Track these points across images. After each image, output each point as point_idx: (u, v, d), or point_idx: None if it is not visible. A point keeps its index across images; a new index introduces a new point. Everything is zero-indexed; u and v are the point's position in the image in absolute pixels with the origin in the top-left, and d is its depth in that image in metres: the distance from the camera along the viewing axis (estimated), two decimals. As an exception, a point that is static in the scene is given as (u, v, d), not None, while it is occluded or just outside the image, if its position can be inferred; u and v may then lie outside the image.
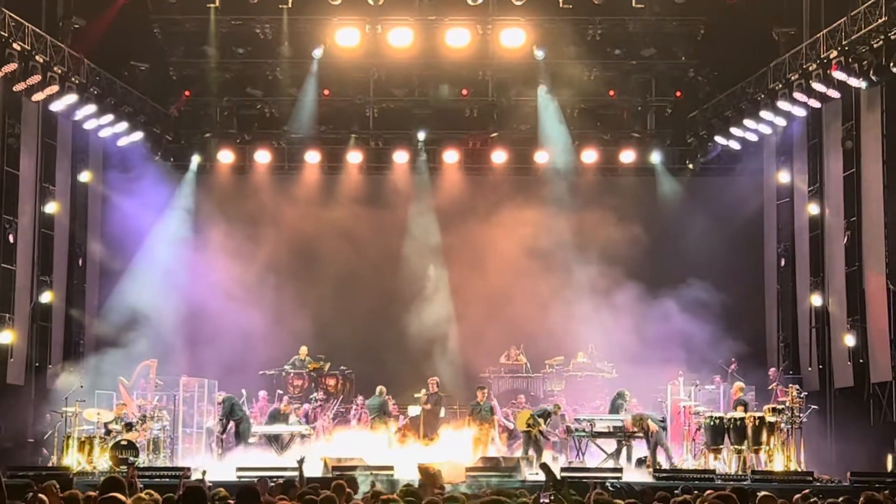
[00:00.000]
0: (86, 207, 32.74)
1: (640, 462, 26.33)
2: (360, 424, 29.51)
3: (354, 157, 34.49)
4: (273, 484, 16.93)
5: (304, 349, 31.68)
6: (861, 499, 12.59)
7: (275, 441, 27.84)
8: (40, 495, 12.58)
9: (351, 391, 31.19)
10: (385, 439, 28.24)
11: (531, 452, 26.55)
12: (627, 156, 34.29)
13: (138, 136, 32.44)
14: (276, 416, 28.29)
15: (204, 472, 19.29)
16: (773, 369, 30.14)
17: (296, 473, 19.01)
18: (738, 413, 26.05)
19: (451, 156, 34.53)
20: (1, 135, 28.45)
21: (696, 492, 15.45)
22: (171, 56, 33.43)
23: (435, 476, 21.28)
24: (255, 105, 34.47)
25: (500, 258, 32.41)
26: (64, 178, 31.36)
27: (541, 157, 34.14)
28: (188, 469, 23.34)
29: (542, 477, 16.38)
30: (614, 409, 27.59)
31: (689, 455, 27.36)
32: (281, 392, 30.58)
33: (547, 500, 12.65)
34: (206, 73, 33.58)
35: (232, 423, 28.18)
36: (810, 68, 28.10)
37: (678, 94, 34.24)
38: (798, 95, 28.68)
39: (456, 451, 26.61)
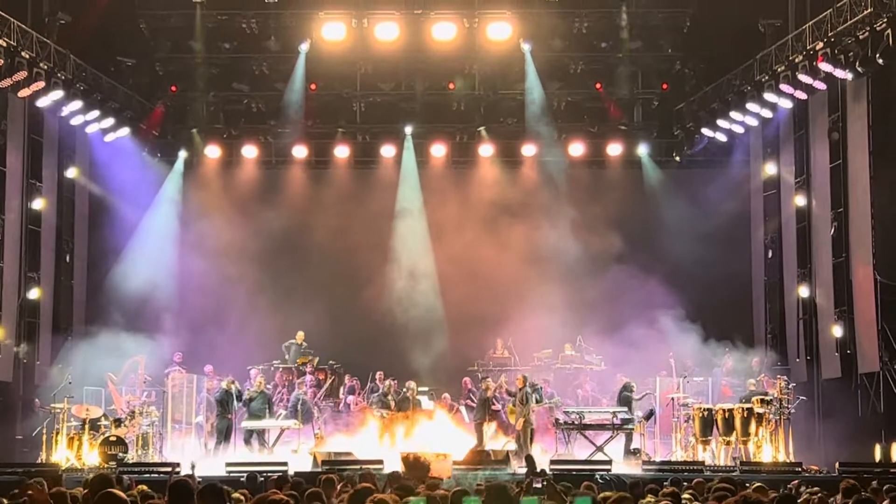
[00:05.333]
0: (73, 203, 32.69)
1: (633, 453, 26.42)
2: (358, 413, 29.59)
3: (342, 151, 34.48)
4: (262, 479, 16.95)
5: (300, 334, 31.53)
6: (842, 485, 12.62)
7: (258, 437, 27.78)
8: (28, 491, 12.57)
9: (339, 386, 31.12)
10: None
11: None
12: (614, 148, 34.33)
13: (125, 131, 32.40)
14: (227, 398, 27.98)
15: (193, 465, 19.29)
16: (756, 359, 30.19)
17: (284, 469, 18.99)
18: (728, 404, 26.22)
19: (438, 149, 34.55)
20: (-13, 131, 28.45)
21: (684, 483, 15.52)
22: (158, 51, 33.42)
23: (423, 467, 21.17)
24: (242, 100, 34.47)
25: (487, 251, 32.40)
26: (51, 174, 31.31)
27: (527, 150, 34.20)
28: (177, 464, 23.30)
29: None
30: (622, 401, 27.62)
31: (678, 447, 27.41)
32: (270, 387, 30.55)
33: (540, 485, 12.67)
34: (192, 69, 33.57)
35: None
36: (796, 60, 28.17)
37: (664, 86, 34.27)
38: (784, 87, 28.74)
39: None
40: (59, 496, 12.92)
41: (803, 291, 30.87)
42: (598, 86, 34.02)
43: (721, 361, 29.95)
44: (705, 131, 32.95)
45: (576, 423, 26.82)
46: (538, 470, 14.72)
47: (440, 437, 27.61)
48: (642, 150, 34.53)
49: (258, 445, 27.68)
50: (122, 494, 8.91)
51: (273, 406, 28.53)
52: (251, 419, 27.92)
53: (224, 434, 27.68)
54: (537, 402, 27.17)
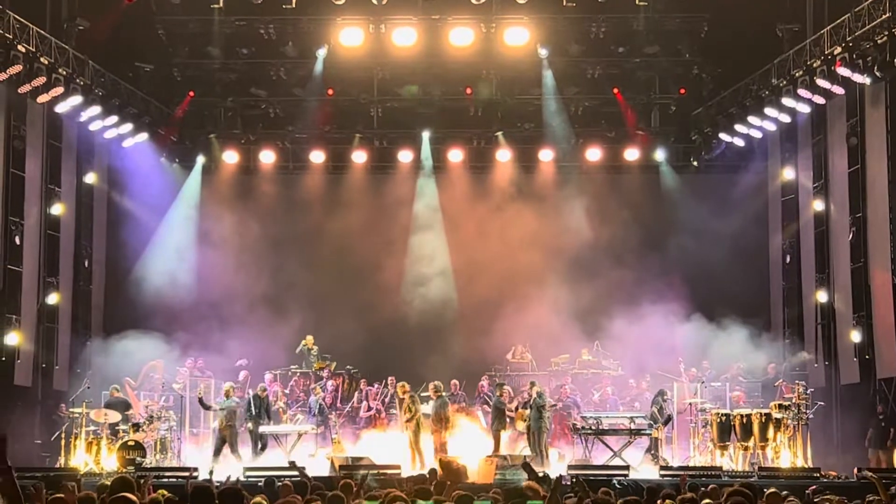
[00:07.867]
0: (91, 209, 32.78)
1: (651, 458, 26.38)
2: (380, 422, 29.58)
3: (359, 156, 34.52)
4: (280, 484, 16.94)
5: (309, 338, 31.59)
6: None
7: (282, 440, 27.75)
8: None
9: (356, 391, 31.11)
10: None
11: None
12: (632, 153, 34.30)
13: (143, 136, 32.50)
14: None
15: (211, 472, 19.31)
16: (771, 365, 30.11)
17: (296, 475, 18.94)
18: (745, 409, 26.17)
19: (455, 154, 34.56)
20: (6, 137, 28.48)
21: (702, 489, 15.46)
22: (176, 57, 33.47)
23: (459, 472, 21.07)
24: (260, 105, 34.50)
25: (505, 256, 32.44)
26: (69, 179, 31.42)
27: (545, 155, 34.22)
28: (195, 469, 23.31)
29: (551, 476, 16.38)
30: (655, 406, 27.55)
31: (696, 452, 27.37)
32: (288, 392, 30.60)
33: (569, 483, 12.61)
34: (210, 74, 33.67)
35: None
36: (814, 65, 28.12)
37: (682, 91, 34.21)
38: (802, 92, 28.70)
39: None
40: (86, 499, 12.96)
41: (821, 296, 30.79)
42: (615, 90, 33.97)
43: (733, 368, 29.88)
44: (723, 136, 32.94)
45: (593, 428, 26.80)
46: (539, 475, 14.66)
47: (461, 442, 27.57)
48: (660, 154, 34.50)
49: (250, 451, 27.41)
50: (134, 497, 8.91)
51: (238, 418, 27.23)
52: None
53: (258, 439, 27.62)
54: (527, 407, 27.11)
